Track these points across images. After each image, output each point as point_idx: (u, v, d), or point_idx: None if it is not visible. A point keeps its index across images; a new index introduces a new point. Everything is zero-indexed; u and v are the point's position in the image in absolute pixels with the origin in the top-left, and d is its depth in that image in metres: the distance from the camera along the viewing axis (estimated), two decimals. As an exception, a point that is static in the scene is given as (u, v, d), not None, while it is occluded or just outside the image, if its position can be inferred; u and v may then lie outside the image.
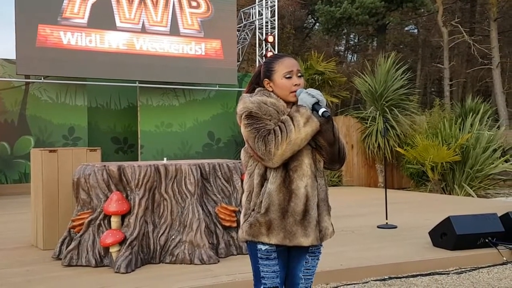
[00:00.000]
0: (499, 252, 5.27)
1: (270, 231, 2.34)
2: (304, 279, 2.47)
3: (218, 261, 4.83)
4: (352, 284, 4.48)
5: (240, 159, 2.54)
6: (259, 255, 2.39)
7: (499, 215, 5.64)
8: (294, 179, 2.34)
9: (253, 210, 2.38)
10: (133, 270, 4.56)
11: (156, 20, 13.06)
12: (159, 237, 4.89)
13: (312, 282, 2.51)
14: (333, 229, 2.48)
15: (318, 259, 2.50)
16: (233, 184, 5.25)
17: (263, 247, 2.37)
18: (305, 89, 2.40)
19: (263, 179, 2.38)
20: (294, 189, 2.34)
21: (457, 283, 4.57)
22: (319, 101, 2.32)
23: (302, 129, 2.27)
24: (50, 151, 5.57)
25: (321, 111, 2.29)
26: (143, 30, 12.87)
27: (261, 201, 2.35)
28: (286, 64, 2.43)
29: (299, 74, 2.43)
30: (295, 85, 2.41)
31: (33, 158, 5.82)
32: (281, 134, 2.27)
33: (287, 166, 2.35)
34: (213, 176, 5.20)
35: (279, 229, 2.33)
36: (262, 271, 2.40)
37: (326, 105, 2.37)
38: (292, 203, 2.33)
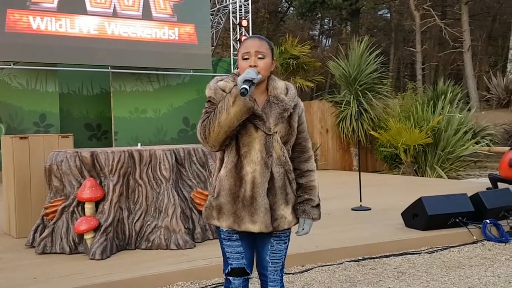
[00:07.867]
0: (469, 231, 5.40)
1: (220, 215, 2.37)
2: (271, 262, 2.46)
3: (194, 246, 4.85)
4: (327, 265, 4.55)
5: None
6: (222, 236, 2.43)
7: (469, 195, 5.77)
8: (244, 164, 2.33)
9: (211, 193, 2.42)
10: (108, 257, 4.55)
11: (127, 4, 12.84)
12: (135, 223, 4.88)
13: (281, 266, 2.49)
14: (294, 218, 2.45)
15: (285, 243, 2.48)
16: (208, 169, 5.24)
17: (224, 229, 2.40)
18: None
19: (222, 163, 2.40)
20: (243, 175, 2.33)
21: (429, 262, 4.68)
22: (252, 79, 2.18)
23: (231, 109, 2.20)
24: (21, 137, 5.47)
25: (242, 88, 2.14)
26: (115, 15, 12.65)
27: (215, 186, 2.39)
28: (245, 45, 2.36)
29: (259, 56, 2.32)
30: (251, 66, 2.31)
31: (3, 146, 5.71)
32: (213, 117, 2.25)
33: (239, 151, 2.34)
34: (188, 161, 5.18)
35: (229, 213, 2.35)
36: (227, 252, 2.43)
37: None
38: (242, 189, 2.33)
